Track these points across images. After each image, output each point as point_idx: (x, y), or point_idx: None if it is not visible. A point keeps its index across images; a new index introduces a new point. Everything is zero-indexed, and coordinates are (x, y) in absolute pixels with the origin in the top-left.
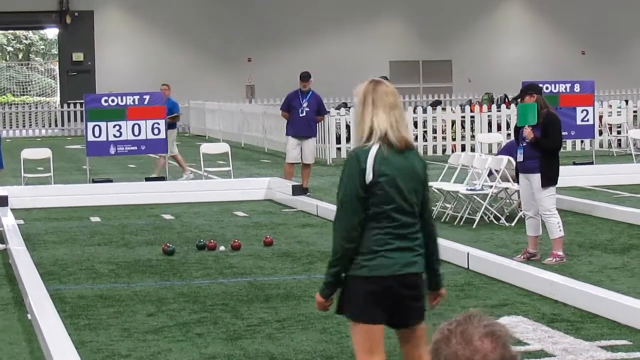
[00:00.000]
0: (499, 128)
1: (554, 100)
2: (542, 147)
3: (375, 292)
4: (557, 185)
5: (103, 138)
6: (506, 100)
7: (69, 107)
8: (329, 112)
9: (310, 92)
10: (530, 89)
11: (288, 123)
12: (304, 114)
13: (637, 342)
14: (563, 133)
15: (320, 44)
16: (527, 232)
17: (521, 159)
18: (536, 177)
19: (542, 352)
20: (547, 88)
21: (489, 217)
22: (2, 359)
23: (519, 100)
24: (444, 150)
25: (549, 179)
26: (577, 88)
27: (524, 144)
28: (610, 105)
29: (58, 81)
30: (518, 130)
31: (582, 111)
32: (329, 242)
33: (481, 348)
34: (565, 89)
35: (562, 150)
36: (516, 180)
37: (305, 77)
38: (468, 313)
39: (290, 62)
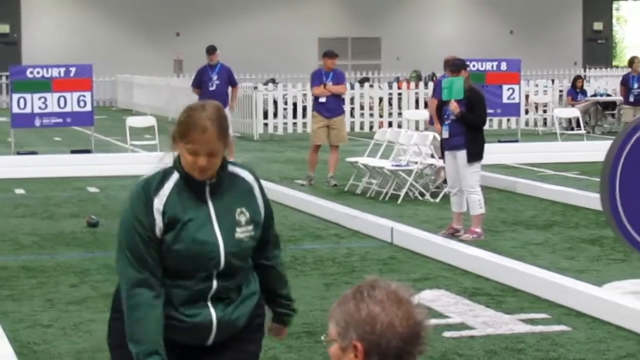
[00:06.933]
0: (425, 105)
1: (480, 78)
2: (468, 122)
3: None
4: (482, 162)
5: (28, 110)
6: (434, 78)
7: None
8: (256, 87)
9: (219, 65)
10: (463, 65)
11: (200, 99)
12: (214, 88)
13: (555, 315)
14: (489, 111)
15: (250, 20)
16: (452, 209)
17: (447, 136)
18: (462, 154)
19: (463, 324)
20: (473, 66)
21: (414, 193)
22: None
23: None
24: (371, 127)
25: (474, 155)
26: (503, 66)
27: (449, 121)
28: (537, 85)
29: None
30: (440, 106)
31: (508, 89)
32: None
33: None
34: (492, 67)
35: (487, 127)
36: (441, 156)
37: (210, 50)
38: (371, 280)
39: (220, 37)
